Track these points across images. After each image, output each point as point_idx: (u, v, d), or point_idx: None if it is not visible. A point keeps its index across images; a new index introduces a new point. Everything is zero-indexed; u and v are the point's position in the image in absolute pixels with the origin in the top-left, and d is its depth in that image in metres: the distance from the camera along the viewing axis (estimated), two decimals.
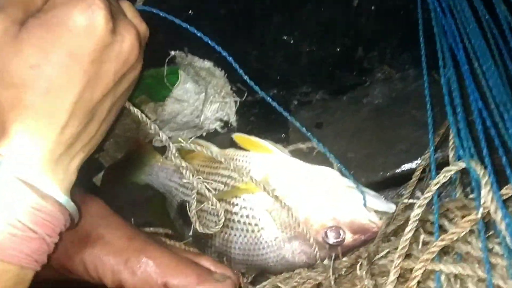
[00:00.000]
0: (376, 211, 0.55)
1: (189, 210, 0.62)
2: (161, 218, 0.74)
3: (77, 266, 0.57)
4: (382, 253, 0.48)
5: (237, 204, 0.61)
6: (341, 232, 0.55)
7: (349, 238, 0.55)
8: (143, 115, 0.56)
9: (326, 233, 0.55)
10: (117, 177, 0.83)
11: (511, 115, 0.44)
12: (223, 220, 0.59)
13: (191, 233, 0.64)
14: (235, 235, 0.61)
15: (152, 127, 0.56)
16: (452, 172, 0.43)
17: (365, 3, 0.69)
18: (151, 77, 0.76)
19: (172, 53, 0.74)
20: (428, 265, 0.40)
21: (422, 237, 0.43)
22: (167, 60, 0.74)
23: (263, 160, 0.62)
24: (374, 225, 0.54)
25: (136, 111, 0.55)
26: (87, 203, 0.59)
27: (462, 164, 0.43)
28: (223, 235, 0.62)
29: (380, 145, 0.66)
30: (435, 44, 0.56)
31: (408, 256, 0.44)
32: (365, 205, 0.54)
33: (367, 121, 0.68)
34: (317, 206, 0.56)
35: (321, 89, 0.75)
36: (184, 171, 0.54)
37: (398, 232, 0.52)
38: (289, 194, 0.58)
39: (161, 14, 0.51)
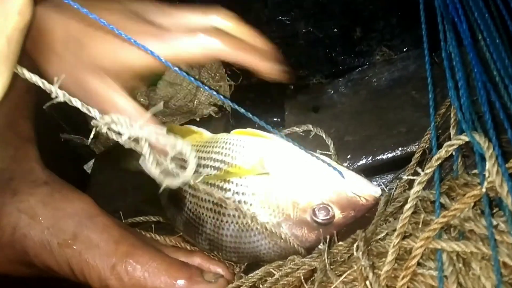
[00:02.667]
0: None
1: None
2: (152, 205, 0.72)
3: (63, 267, 0.55)
4: (381, 235, 0.46)
5: (229, 189, 0.58)
6: (330, 208, 0.52)
7: (338, 214, 0.52)
8: None
9: (314, 211, 0.53)
10: (108, 164, 0.81)
11: None
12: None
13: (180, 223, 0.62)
14: (226, 222, 0.58)
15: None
16: (455, 146, 0.41)
17: None
18: None
19: None
20: (429, 243, 0.38)
21: (423, 216, 0.41)
22: None
23: (256, 143, 0.60)
24: (363, 199, 0.51)
25: None
26: (75, 202, 0.57)
27: (465, 138, 0.40)
28: (214, 221, 0.60)
29: (378, 127, 0.63)
30: (436, 25, 0.53)
31: (408, 236, 0.42)
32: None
33: (365, 104, 0.66)
34: (304, 187, 0.54)
35: (318, 72, 0.73)
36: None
37: (397, 214, 0.50)
38: (278, 176, 0.55)
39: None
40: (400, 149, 0.61)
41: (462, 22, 0.47)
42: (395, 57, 0.68)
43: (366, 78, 0.68)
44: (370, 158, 0.62)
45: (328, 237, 0.52)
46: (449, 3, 0.50)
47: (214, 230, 0.60)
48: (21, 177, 0.56)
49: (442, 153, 0.41)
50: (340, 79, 0.70)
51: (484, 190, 0.37)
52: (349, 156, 0.63)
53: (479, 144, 0.38)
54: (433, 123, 0.44)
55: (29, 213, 0.53)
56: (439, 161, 0.41)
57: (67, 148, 0.85)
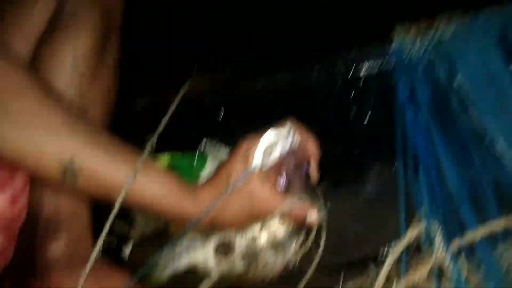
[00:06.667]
0: None
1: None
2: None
3: None
4: None
5: None
6: (280, 178, 0.57)
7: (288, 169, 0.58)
8: None
9: (279, 184, 0.57)
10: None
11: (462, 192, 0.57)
12: None
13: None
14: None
15: None
16: (415, 233, 0.56)
17: (359, 114, 0.86)
18: (186, 158, 0.90)
19: (205, 140, 0.89)
20: None
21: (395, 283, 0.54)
22: (199, 146, 0.89)
23: None
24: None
25: None
26: (115, 278, 0.71)
27: (422, 226, 0.55)
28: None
29: (374, 225, 0.77)
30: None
31: None
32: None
33: (362, 209, 0.81)
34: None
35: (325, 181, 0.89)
36: None
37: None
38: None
39: None
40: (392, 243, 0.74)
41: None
42: (388, 171, 0.84)
43: (363, 187, 0.84)
44: (367, 250, 0.75)
45: None
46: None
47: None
48: (77, 258, 0.71)
49: (406, 238, 0.56)
50: (342, 188, 0.86)
51: (432, 261, 0.51)
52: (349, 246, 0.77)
53: (432, 230, 0.54)
54: (403, 214, 0.59)
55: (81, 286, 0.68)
56: (405, 244, 0.56)
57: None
